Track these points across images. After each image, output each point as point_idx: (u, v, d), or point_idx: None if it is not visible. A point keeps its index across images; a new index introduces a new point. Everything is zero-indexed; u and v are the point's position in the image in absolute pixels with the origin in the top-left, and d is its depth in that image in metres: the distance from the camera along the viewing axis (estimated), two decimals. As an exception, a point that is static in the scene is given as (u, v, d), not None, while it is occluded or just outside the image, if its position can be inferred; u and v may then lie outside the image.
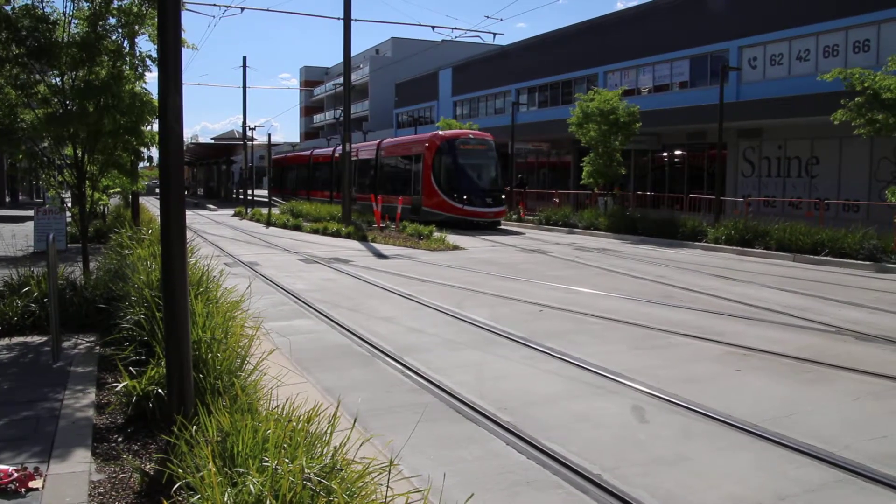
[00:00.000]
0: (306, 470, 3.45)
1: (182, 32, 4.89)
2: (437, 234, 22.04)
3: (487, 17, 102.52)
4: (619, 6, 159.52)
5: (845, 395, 6.72)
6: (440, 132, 31.93)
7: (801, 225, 19.68)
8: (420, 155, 30.90)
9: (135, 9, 9.83)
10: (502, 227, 30.02)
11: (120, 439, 5.02)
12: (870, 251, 17.18)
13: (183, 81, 4.78)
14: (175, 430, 4.09)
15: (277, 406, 4.45)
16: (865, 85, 17.48)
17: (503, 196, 30.28)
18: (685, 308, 11.24)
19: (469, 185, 29.07)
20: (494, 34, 30.74)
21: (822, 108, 21.51)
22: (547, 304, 11.35)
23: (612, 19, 40.01)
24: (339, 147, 35.88)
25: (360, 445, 3.99)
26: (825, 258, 17.85)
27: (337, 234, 25.06)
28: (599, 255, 19.10)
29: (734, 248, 20.29)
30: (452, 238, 21.86)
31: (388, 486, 3.54)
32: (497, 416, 5.95)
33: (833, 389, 6.93)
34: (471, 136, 30.88)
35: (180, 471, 3.73)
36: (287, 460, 3.51)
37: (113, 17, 9.87)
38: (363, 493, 3.52)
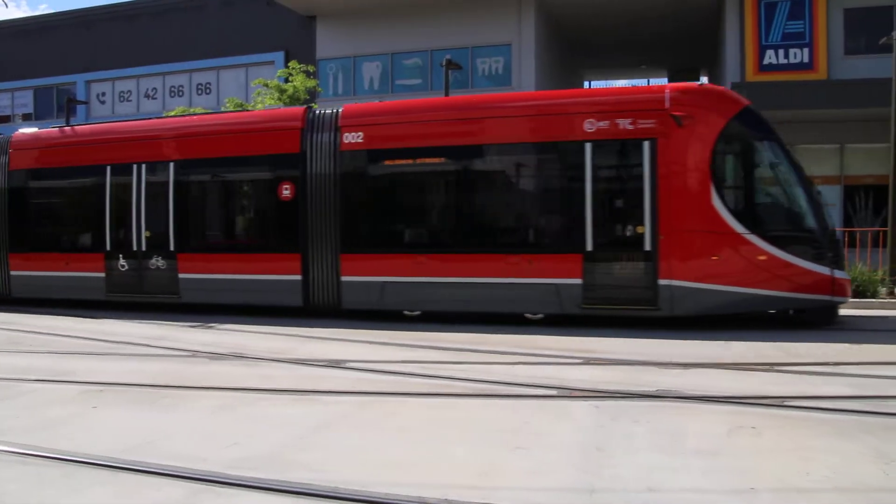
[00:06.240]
0: None
1: None
2: None
3: None
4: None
5: (202, 413, 7.08)
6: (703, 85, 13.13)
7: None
8: (637, 143, 11.75)
9: None
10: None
11: None
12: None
13: None
14: None
15: None
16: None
17: None
18: (35, 353, 10.51)
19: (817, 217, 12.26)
20: None
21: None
22: None
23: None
24: None
25: None
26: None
27: None
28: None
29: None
30: None
31: None
32: None
33: (191, 409, 7.23)
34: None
35: None
36: None
37: None
38: None
